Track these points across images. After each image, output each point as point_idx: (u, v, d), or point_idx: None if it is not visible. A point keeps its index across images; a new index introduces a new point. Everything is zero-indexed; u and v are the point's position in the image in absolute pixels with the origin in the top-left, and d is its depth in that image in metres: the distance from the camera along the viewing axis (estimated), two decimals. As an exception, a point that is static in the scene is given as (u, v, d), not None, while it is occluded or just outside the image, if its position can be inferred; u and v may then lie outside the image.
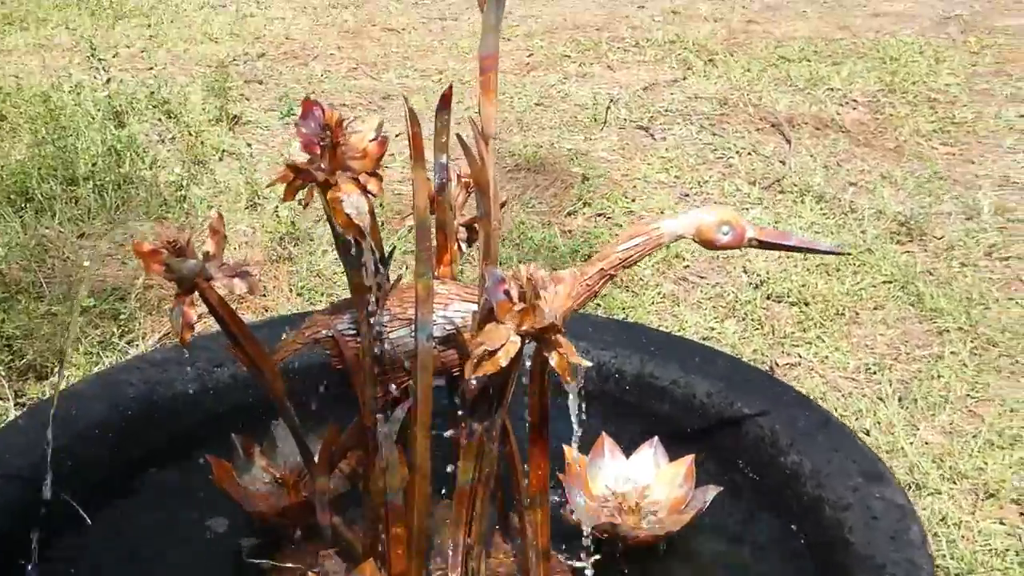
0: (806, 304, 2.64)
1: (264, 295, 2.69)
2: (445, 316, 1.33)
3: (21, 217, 2.94)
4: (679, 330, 2.56)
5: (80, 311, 2.48)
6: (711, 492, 1.52)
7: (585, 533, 1.43)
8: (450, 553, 1.33)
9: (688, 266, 2.84)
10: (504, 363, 1.18)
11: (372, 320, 1.32)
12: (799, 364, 2.45)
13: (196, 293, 1.26)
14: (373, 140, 1.19)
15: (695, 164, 3.40)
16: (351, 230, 1.19)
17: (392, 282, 1.36)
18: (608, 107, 3.79)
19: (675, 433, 1.70)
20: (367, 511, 1.38)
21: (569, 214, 3.11)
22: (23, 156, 3.18)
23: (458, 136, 1.25)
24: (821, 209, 3.09)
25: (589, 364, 1.19)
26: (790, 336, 2.53)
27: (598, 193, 3.19)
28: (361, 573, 1.36)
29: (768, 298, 2.69)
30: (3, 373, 2.30)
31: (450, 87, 1.25)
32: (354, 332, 1.35)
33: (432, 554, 1.48)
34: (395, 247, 1.33)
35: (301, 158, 1.18)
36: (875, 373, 2.38)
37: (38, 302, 2.60)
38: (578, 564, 1.49)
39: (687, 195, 3.21)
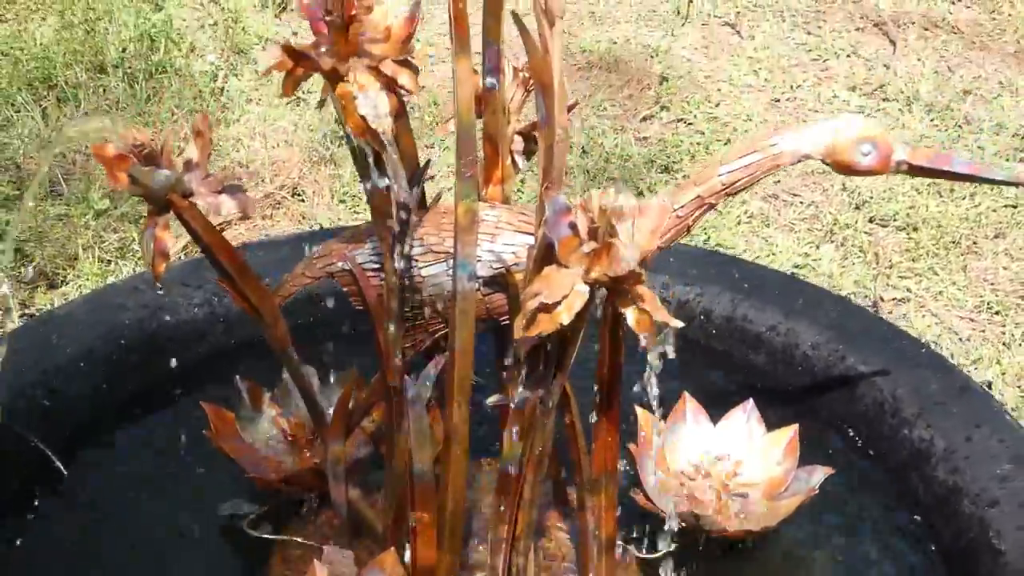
0: (915, 229, 2.31)
1: (302, 199, 2.41)
2: (492, 250, 1.04)
3: (42, 107, 2.67)
4: (768, 255, 2.25)
5: (94, 214, 2.21)
6: (819, 474, 1.22)
7: (667, 524, 1.14)
8: (490, 549, 1.05)
9: (779, 181, 2.51)
10: (566, 320, 0.89)
11: (399, 253, 1.03)
12: (908, 300, 2.13)
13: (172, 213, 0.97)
14: (400, 16, 0.89)
15: (787, 66, 3.05)
16: (367, 136, 0.89)
17: (427, 204, 1.07)
18: (690, 0, 3.42)
19: (771, 392, 1.41)
20: (389, 486, 1.11)
21: (645, 119, 2.78)
22: (48, 40, 2.90)
23: (514, 15, 0.94)
24: (932, 120, 2.73)
25: (680, 325, 0.90)
26: (897, 266, 2.21)
27: (679, 96, 2.86)
28: (380, 566, 1.09)
29: (871, 221, 2.36)
30: (4, 278, 2.04)
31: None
32: (377, 266, 1.06)
33: (470, 535, 1.21)
34: (429, 161, 1.02)
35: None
36: (998, 313, 2.06)
37: (54, 200, 2.34)
38: (648, 556, 1.21)
39: (778, 100, 2.87)
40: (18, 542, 1.22)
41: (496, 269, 1.04)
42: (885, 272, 2.19)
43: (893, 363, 1.35)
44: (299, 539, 1.23)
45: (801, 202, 2.43)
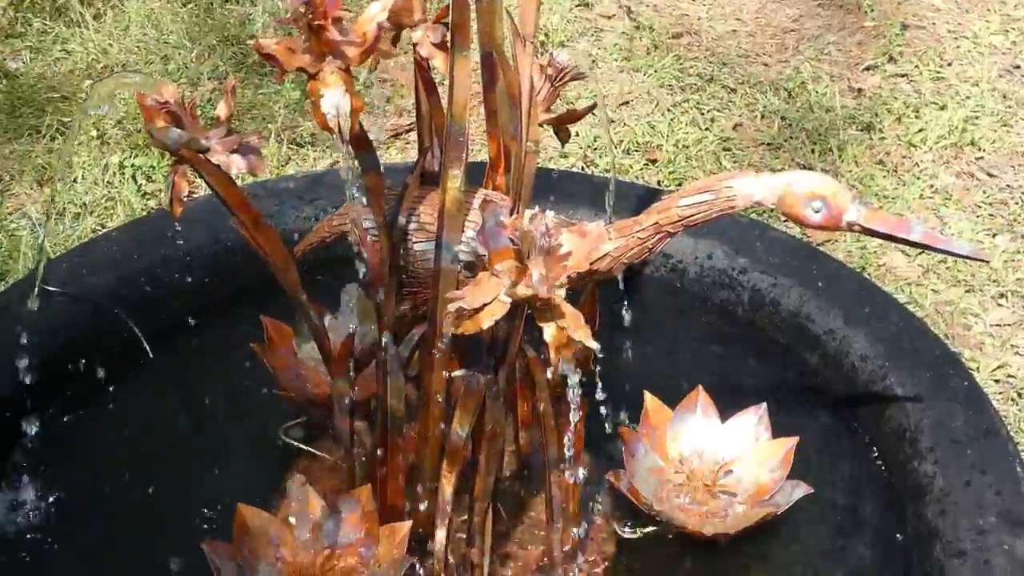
0: (1109, 233, 2.18)
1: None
2: (476, 239, 1.11)
3: (287, -15, 2.85)
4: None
5: (284, 103, 2.38)
6: (798, 491, 1.25)
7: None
8: (437, 509, 1.15)
9: (981, 158, 2.40)
10: (486, 324, 0.96)
11: (391, 229, 1.12)
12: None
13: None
14: (373, 26, 0.96)
15: (1044, 29, 2.87)
16: (328, 131, 0.98)
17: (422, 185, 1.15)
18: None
19: (814, 394, 1.43)
20: (377, 429, 1.21)
21: (868, 69, 2.70)
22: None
23: (484, 32, 0.99)
24: None
25: (596, 346, 0.95)
26: (1071, 270, 2.11)
27: (912, 48, 2.75)
28: (356, 498, 1.21)
29: (1065, 215, 2.24)
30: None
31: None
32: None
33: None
34: (431, 147, 1.10)
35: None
36: None
37: (261, 79, 2.51)
38: (625, 534, 1.28)
39: (1017, 67, 2.72)
40: (92, 414, 1.41)
41: (475, 257, 1.10)
42: (1056, 274, 2.10)
43: (930, 391, 1.34)
44: (321, 453, 1.36)
45: (996, 184, 2.33)
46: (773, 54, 2.75)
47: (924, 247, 0.99)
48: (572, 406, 1.02)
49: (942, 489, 1.24)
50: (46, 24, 2.64)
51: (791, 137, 2.45)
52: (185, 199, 1.11)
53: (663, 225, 1.02)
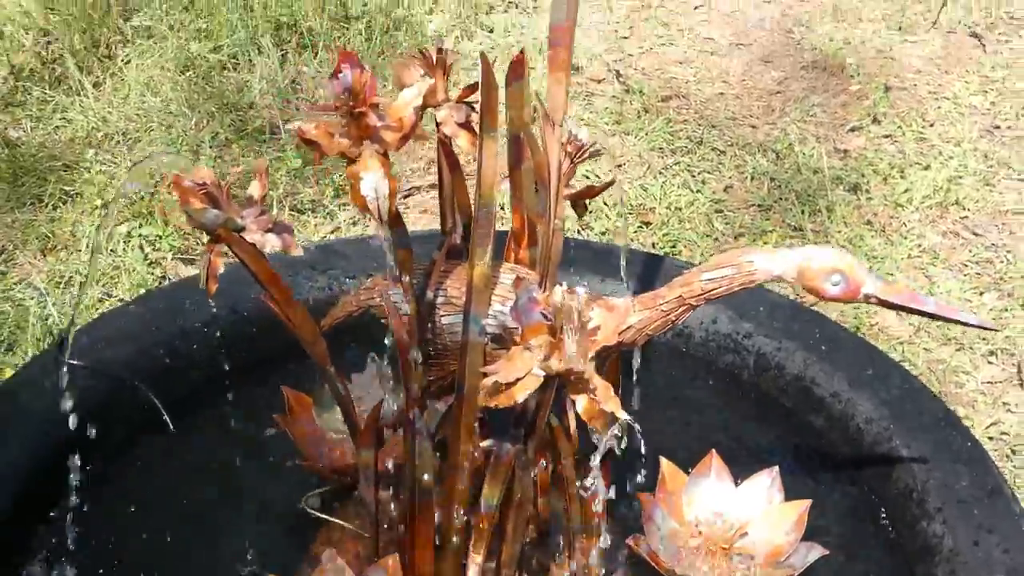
0: (1093, 290, 2.24)
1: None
2: (503, 312, 1.14)
3: (283, 51, 2.90)
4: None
5: (287, 170, 2.42)
6: (813, 553, 1.28)
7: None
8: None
9: (966, 217, 2.46)
10: (520, 398, 0.99)
11: (420, 302, 1.15)
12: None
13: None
14: (410, 112, 1.01)
15: (1021, 89, 2.95)
16: (367, 213, 1.01)
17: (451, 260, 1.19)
18: (945, 2, 3.33)
19: (821, 457, 1.47)
20: (403, 497, 1.24)
21: (852, 130, 2.76)
22: (300, -14, 3.13)
23: (513, 116, 1.04)
24: None
25: (627, 417, 0.98)
26: (1058, 328, 2.16)
27: (895, 110, 2.82)
28: (384, 568, 1.23)
29: (1050, 273, 2.30)
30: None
31: (522, 51, 1.03)
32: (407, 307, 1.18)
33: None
34: (456, 224, 1.14)
35: (320, 124, 1.01)
36: None
37: (261, 146, 2.55)
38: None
39: (997, 128, 2.79)
40: (113, 487, 1.42)
41: (502, 330, 1.14)
42: (1043, 331, 2.15)
43: (935, 451, 1.38)
44: (344, 523, 1.39)
45: (981, 243, 2.39)
46: (760, 116, 2.81)
47: (937, 318, 1.03)
48: (596, 479, 1.06)
49: (951, 549, 1.27)
50: (46, 93, 2.68)
51: (781, 198, 2.50)
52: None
53: (686, 299, 1.05)
